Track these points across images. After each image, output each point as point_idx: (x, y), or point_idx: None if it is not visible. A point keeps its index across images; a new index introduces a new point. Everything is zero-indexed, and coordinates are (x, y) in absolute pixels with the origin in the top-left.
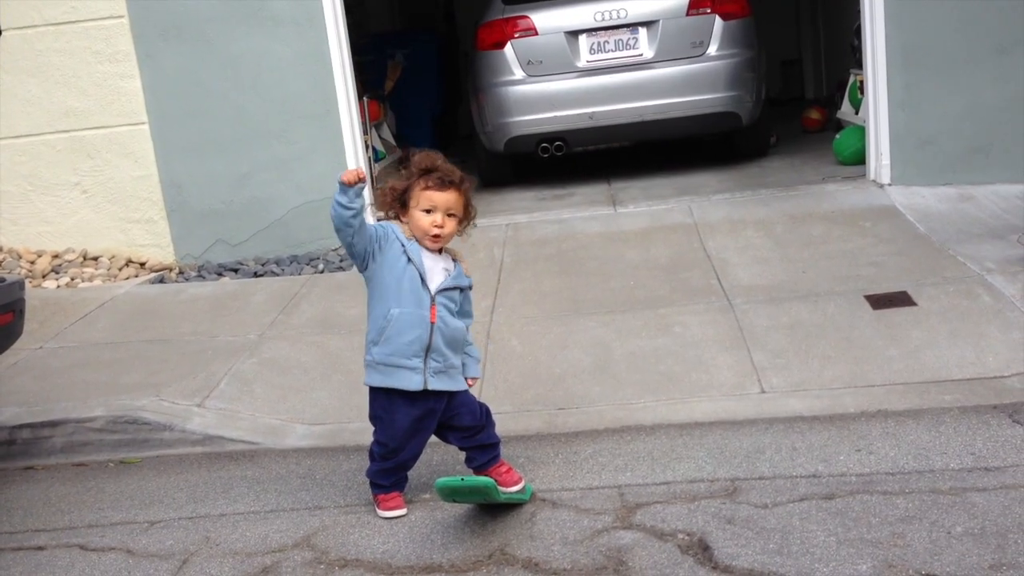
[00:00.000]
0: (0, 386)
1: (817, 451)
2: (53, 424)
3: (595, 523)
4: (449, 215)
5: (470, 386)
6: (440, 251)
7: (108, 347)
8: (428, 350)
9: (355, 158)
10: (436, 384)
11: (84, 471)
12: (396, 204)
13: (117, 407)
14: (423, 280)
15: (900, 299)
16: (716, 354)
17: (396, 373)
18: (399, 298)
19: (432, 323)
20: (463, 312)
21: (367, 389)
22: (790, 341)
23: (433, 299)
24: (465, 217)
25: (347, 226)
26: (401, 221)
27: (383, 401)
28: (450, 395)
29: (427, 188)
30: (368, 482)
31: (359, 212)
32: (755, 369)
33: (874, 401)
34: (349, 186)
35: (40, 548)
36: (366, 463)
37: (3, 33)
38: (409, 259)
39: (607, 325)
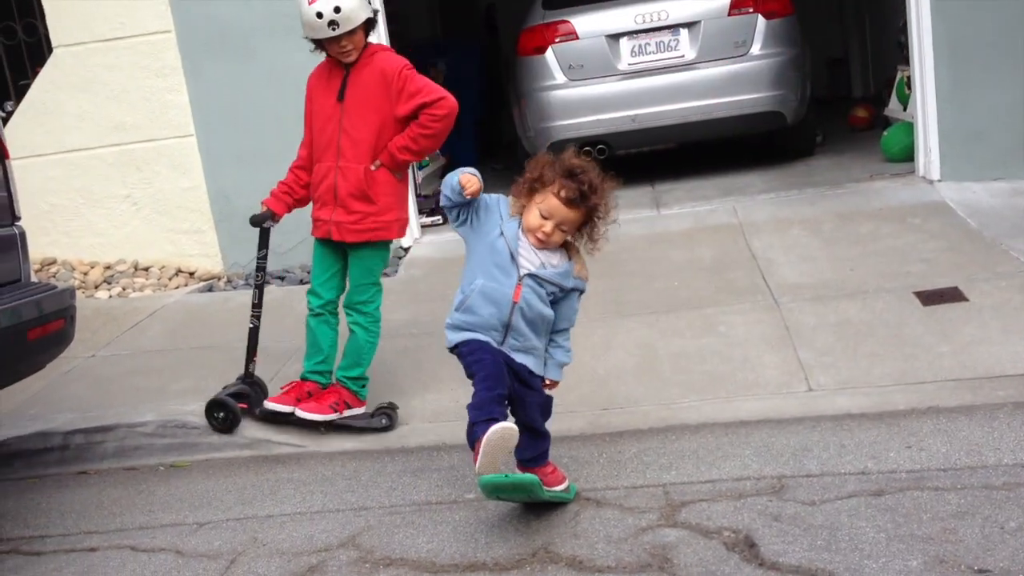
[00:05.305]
0: (54, 393)
1: (866, 448)
2: (105, 429)
3: (640, 521)
4: (561, 229)
5: (547, 387)
6: None
7: (158, 354)
8: (508, 328)
9: None
10: (517, 357)
11: (135, 475)
12: (527, 188)
13: (167, 412)
14: (512, 257)
15: (951, 295)
16: (762, 353)
17: (475, 333)
18: (487, 270)
19: (515, 302)
20: (562, 315)
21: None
22: (838, 339)
23: (520, 279)
24: (586, 225)
25: (453, 203)
26: (521, 204)
27: (471, 346)
28: (528, 372)
29: (556, 196)
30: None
31: (466, 202)
32: (802, 367)
33: (925, 398)
34: (463, 189)
35: (92, 549)
36: (411, 465)
37: (55, 51)
38: (502, 233)
39: (651, 326)
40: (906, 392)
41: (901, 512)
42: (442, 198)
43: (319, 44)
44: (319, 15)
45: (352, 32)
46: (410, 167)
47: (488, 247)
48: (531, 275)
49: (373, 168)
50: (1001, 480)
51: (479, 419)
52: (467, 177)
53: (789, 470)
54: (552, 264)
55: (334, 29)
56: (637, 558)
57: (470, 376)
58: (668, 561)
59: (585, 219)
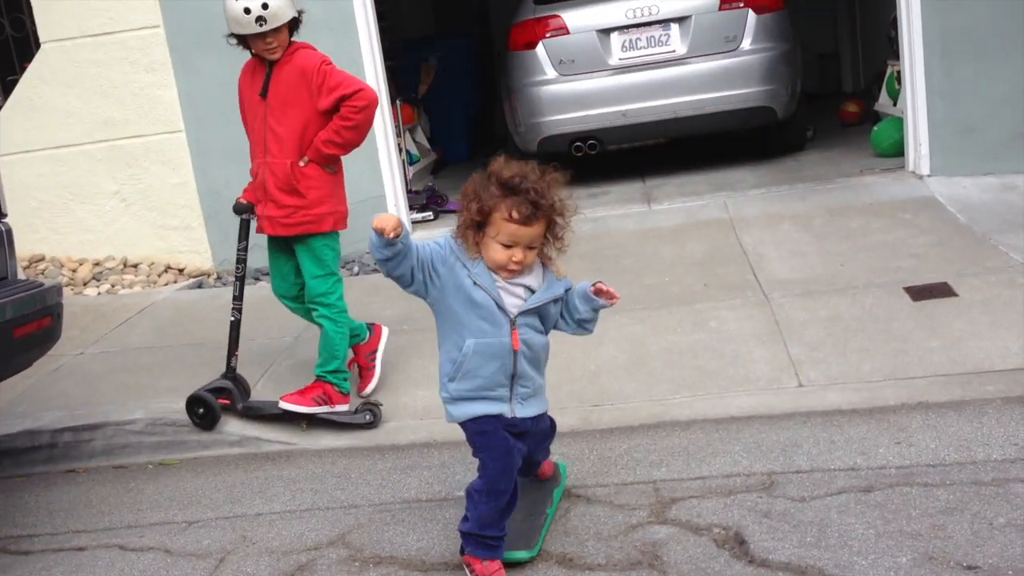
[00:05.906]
0: (43, 391)
1: (856, 444)
2: (94, 427)
3: (630, 518)
4: (530, 248)
5: (613, 301)
6: None
7: (148, 351)
8: (514, 378)
9: (389, 161)
10: (524, 411)
11: (124, 473)
12: (473, 228)
13: (156, 410)
14: (498, 304)
15: (940, 290)
16: (752, 348)
17: (481, 403)
18: (475, 328)
19: (515, 350)
20: (571, 304)
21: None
22: (828, 334)
23: (514, 323)
24: (550, 236)
25: (384, 258)
26: (474, 242)
27: (483, 426)
28: (533, 421)
29: (510, 220)
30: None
31: (399, 249)
32: (792, 363)
33: (914, 393)
34: (383, 234)
35: (81, 549)
36: (401, 463)
37: (43, 46)
38: (475, 283)
39: (642, 321)
40: (896, 387)
41: (890, 508)
42: (382, 268)
43: (243, 41)
44: (247, 11)
45: (278, 30)
46: (341, 160)
47: (464, 302)
48: (522, 313)
49: (302, 164)
50: (990, 476)
51: (481, 545)
52: (377, 220)
53: (779, 466)
54: (534, 287)
55: (261, 25)
56: (627, 555)
57: (475, 455)
58: (658, 558)
59: (547, 225)
